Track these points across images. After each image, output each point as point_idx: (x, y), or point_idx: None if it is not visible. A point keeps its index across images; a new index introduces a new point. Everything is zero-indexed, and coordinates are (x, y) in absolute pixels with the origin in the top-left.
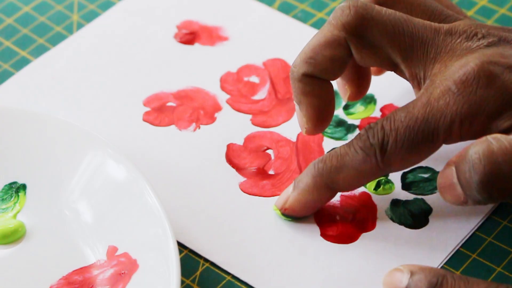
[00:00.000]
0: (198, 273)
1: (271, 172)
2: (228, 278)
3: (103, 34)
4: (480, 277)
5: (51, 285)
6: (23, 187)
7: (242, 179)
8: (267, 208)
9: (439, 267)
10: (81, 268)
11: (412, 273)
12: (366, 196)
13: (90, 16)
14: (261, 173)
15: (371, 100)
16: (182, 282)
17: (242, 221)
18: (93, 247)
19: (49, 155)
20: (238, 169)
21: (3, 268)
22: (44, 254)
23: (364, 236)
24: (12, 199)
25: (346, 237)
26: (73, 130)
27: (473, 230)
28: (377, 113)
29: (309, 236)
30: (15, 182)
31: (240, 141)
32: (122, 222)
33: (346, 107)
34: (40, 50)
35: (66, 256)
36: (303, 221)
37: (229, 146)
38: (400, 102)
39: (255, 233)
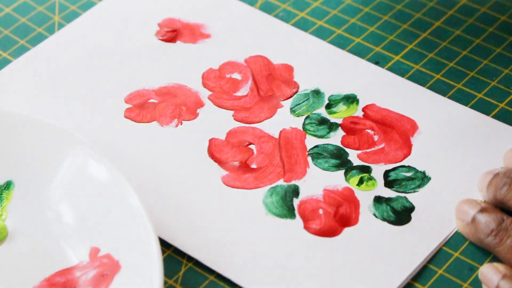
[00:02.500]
0: (181, 273)
1: (253, 166)
2: (211, 278)
3: (84, 32)
4: (462, 276)
5: (33, 286)
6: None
7: (224, 172)
8: (249, 202)
9: (421, 265)
10: (63, 270)
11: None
12: (349, 191)
13: (71, 17)
14: (244, 167)
15: (354, 100)
16: (165, 282)
17: (225, 215)
18: (75, 248)
19: (30, 156)
20: (221, 163)
21: None
22: (26, 255)
23: (347, 231)
24: None
25: (329, 230)
26: (54, 131)
27: (455, 229)
28: (359, 113)
29: (292, 229)
30: None
31: (222, 136)
32: (104, 223)
33: (328, 106)
34: (21, 51)
35: (48, 258)
36: (287, 214)
37: (211, 141)
38: (382, 103)
39: (238, 227)
